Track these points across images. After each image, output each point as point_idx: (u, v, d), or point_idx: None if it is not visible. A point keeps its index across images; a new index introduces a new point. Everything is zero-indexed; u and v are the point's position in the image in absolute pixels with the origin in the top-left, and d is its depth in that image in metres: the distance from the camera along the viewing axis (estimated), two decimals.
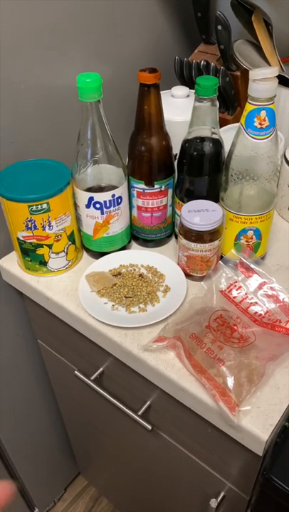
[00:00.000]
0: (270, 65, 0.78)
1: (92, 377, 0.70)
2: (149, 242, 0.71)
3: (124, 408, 0.67)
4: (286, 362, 0.54)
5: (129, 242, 0.71)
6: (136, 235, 0.71)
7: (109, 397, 0.68)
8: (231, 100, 0.79)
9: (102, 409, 0.79)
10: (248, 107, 0.53)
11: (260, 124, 0.53)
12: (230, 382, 0.48)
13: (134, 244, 0.73)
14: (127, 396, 0.69)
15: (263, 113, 0.52)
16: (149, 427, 0.64)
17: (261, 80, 0.50)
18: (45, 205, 0.59)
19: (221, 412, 0.49)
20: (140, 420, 0.65)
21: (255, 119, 0.53)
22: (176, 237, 0.71)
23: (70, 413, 1.02)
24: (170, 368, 0.54)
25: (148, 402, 0.66)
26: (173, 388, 0.55)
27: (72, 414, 1.01)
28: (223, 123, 0.76)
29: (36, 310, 0.73)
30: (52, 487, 1.26)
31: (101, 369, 0.71)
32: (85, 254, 0.71)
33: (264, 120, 0.53)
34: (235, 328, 0.54)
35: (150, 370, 0.56)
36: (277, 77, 0.51)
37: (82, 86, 0.54)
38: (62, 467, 1.23)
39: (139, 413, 0.65)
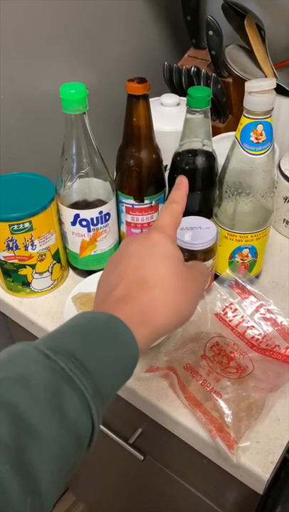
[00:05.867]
0: (262, 71, 0.75)
1: None
2: None
3: (114, 437, 0.63)
4: (286, 392, 0.50)
5: None
6: None
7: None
8: (223, 108, 0.76)
9: None
10: (244, 121, 0.50)
11: (256, 138, 0.50)
12: (228, 417, 0.45)
13: None
14: (117, 423, 0.65)
15: (260, 127, 0.49)
16: (141, 457, 0.61)
17: (258, 92, 0.47)
18: (27, 224, 0.55)
19: (219, 449, 0.46)
20: (132, 450, 0.61)
21: (252, 134, 0.50)
22: None
23: None
24: (163, 399, 0.51)
25: (140, 429, 0.63)
26: (166, 420, 0.51)
27: None
28: (214, 131, 0.73)
29: (20, 331, 0.69)
30: None
31: None
32: (71, 271, 0.67)
33: (261, 134, 0.50)
34: (232, 356, 0.50)
35: (141, 401, 0.52)
36: None
37: (66, 97, 0.51)
38: None
39: (131, 441, 0.62)
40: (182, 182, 0.44)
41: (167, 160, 0.61)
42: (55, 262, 0.62)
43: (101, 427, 0.65)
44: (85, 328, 0.32)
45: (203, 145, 0.57)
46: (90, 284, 0.62)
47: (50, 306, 0.62)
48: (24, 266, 0.59)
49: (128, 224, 0.64)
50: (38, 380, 0.28)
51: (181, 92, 0.76)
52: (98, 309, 0.35)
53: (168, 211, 0.41)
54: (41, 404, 0.27)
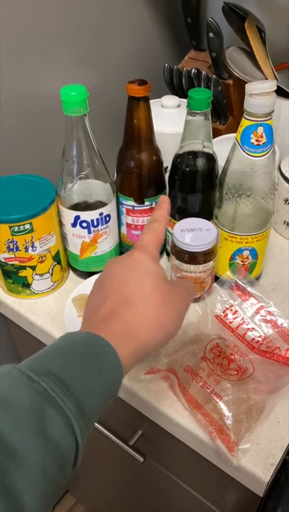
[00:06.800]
0: (263, 73, 0.75)
1: None
2: None
3: (114, 439, 0.63)
4: (286, 394, 0.50)
5: None
6: None
7: (98, 425, 0.65)
8: (223, 110, 0.76)
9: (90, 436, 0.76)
10: (244, 123, 0.50)
11: (257, 140, 0.50)
12: (228, 419, 0.45)
13: None
14: (117, 424, 0.65)
15: (260, 129, 0.49)
16: (141, 459, 0.61)
17: (258, 94, 0.47)
18: (27, 226, 0.55)
19: (219, 451, 0.46)
20: (132, 451, 0.61)
21: (252, 136, 0.50)
22: (168, 255, 0.67)
23: None
24: (163, 401, 0.51)
25: (140, 431, 0.62)
26: (166, 422, 0.51)
27: None
28: (215, 133, 0.73)
29: (20, 333, 0.69)
30: None
31: None
32: (71, 273, 0.67)
33: (261, 137, 0.50)
34: (233, 358, 0.50)
35: (141, 403, 0.52)
36: None
37: (66, 99, 0.51)
38: None
39: (131, 443, 0.62)
40: (164, 201, 0.44)
41: (168, 162, 0.61)
42: (55, 263, 0.62)
43: (101, 428, 0.65)
44: (68, 349, 0.32)
45: (204, 147, 0.57)
46: (90, 285, 0.62)
47: (50, 308, 0.62)
48: (24, 267, 0.59)
49: (128, 225, 0.64)
50: (21, 402, 0.28)
51: (181, 93, 0.76)
52: (84, 329, 0.35)
53: (149, 230, 0.42)
54: (24, 426, 0.27)
